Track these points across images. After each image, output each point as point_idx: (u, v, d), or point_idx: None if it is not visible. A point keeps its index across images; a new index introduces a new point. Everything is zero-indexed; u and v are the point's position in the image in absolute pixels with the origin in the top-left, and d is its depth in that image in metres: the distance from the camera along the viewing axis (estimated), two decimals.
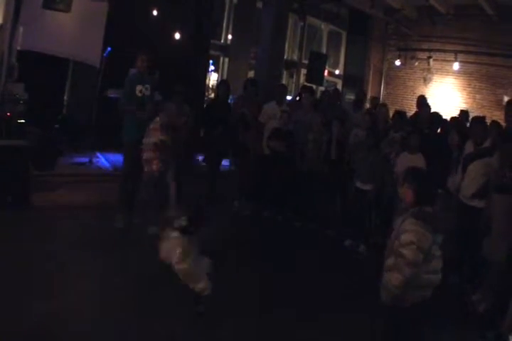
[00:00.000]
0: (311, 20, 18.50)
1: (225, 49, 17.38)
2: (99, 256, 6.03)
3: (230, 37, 17.40)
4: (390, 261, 3.91)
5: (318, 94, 13.68)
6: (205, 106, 11.52)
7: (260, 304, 5.35)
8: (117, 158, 9.41)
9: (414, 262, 3.71)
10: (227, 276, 5.48)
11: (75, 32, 11.64)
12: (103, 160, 11.39)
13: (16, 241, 6.13)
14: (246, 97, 9.06)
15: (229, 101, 9.51)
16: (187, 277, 4.69)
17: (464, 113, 9.76)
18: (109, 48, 10.77)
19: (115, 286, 5.33)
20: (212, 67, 17.50)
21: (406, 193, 3.97)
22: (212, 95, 15.18)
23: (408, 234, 3.76)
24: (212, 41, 16.77)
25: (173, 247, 4.63)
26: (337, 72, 19.07)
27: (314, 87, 13.89)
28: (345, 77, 18.92)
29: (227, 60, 17.28)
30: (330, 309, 5.44)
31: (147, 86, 7.43)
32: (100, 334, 4.39)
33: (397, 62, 17.25)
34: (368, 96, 15.13)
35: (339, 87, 18.12)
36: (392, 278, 3.80)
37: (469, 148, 6.85)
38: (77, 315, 4.64)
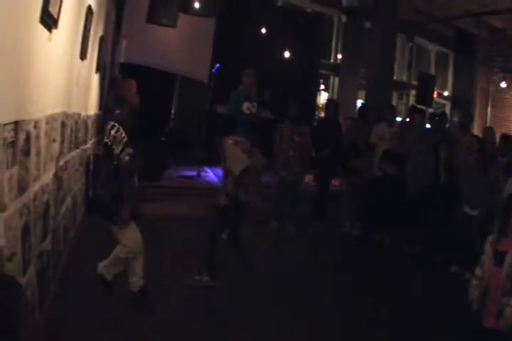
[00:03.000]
0: (419, 40, 18.21)
1: (334, 68, 17.36)
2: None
3: (339, 56, 17.36)
4: (507, 286, 3.77)
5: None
6: (314, 125, 11.46)
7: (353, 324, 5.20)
8: None
9: None
10: (338, 298, 5.44)
11: (181, 47, 11.89)
12: (211, 174, 11.46)
13: None
14: (359, 122, 8.92)
15: (339, 120, 9.39)
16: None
17: None
18: (217, 65, 10.91)
19: None
20: (322, 86, 17.54)
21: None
22: (322, 114, 15.14)
23: None
24: (321, 60, 16.85)
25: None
26: (445, 93, 18.67)
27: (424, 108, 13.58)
28: (454, 99, 18.41)
29: (337, 79, 17.24)
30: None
31: (254, 103, 7.41)
32: None
33: (503, 84, 16.61)
34: (475, 119, 14.62)
35: (447, 108, 17.69)
36: None
37: None
38: None
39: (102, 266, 4.70)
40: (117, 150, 4.48)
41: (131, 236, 4.59)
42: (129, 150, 4.54)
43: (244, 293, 5.35)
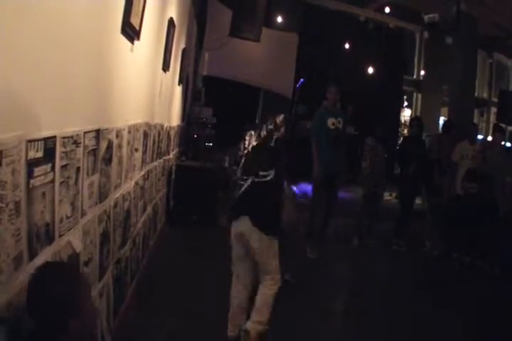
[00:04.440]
0: (498, 56, 17.67)
1: (417, 84, 17.11)
2: None
3: (422, 72, 17.09)
4: None
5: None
6: (399, 143, 11.26)
7: None
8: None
9: None
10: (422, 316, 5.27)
11: (264, 61, 11.97)
12: (294, 188, 11.39)
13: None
14: (443, 140, 8.71)
15: (423, 138, 9.18)
16: None
17: None
18: (302, 79, 10.90)
19: None
20: (405, 103, 17.29)
21: None
22: (405, 131, 14.90)
23: None
24: (404, 76, 16.61)
25: None
26: None
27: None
28: None
29: (420, 95, 16.96)
30: None
31: (339, 119, 7.30)
32: None
33: None
34: None
35: None
36: None
37: None
38: None
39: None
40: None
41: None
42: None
43: (328, 313, 5.26)
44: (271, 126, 4.48)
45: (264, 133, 4.51)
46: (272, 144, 4.43)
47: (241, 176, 4.23)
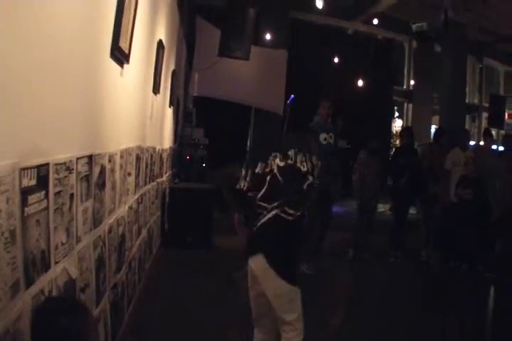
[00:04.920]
0: (488, 61, 17.89)
1: (408, 94, 17.22)
2: None
3: (412, 82, 17.22)
4: None
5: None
6: (391, 153, 11.32)
7: None
8: None
9: None
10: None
11: (254, 79, 11.97)
12: None
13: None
14: (435, 148, 8.76)
15: (415, 147, 9.23)
16: None
17: None
18: (292, 96, 10.94)
19: None
20: (396, 114, 17.39)
21: None
22: (397, 142, 14.99)
23: None
24: (395, 87, 16.74)
25: None
26: None
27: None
28: None
29: (411, 105, 17.09)
30: None
31: (331, 134, 7.35)
32: None
33: None
34: None
35: None
36: None
37: None
38: None
39: None
40: None
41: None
42: None
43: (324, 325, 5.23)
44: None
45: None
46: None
47: (260, 203, 3.53)
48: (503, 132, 16.15)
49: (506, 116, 16.39)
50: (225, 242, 7.88)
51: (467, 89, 16.93)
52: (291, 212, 3.46)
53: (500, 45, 17.01)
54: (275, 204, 3.45)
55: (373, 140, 8.25)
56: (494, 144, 9.23)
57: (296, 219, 3.48)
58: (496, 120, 14.79)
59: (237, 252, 7.22)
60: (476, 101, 18.59)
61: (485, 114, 16.89)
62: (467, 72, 16.36)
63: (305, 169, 3.56)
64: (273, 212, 3.46)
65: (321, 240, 7.41)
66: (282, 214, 3.45)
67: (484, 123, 16.85)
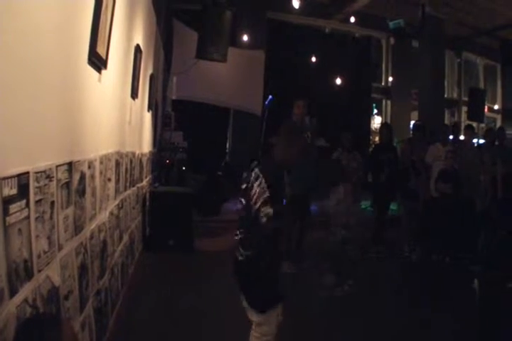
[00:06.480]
0: (467, 55, 18.06)
1: (386, 91, 17.31)
2: None
3: (390, 79, 17.32)
4: None
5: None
6: (370, 150, 11.39)
7: None
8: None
9: None
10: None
11: (232, 81, 12.01)
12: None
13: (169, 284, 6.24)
14: (414, 142, 8.84)
15: (394, 144, 9.31)
16: None
17: None
18: (270, 96, 10.96)
19: None
20: (375, 111, 17.47)
21: None
22: (377, 139, 15.09)
23: None
24: (373, 84, 16.82)
25: None
26: (496, 107, 18.43)
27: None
28: (505, 112, 18.09)
29: (389, 102, 17.18)
30: None
31: (308, 133, 7.36)
32: None
33: None
34: None
35: (499, 122, 17.35)
36: None
37: None
38: None
39: None
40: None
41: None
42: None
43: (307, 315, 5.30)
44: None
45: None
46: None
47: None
48: (482, 125, 16.36)
49: (486, 110, 16.54)
50: (205, 245, 7.92)
51: (446, 84, 17.08)
52: (242, 251, 3.41)
53: (480, 39, 17.13)
54: (238, 233, 3.46)
55: (347, 137, 8.21)
56: (473, 138, 9.34)
57: (246, 260, 3.37)
58: (476, 114, 14.91)
59: (218, 254, 7.30)
60: (455, 95, 18.73)
61: (464, 108, 17.01)
62: (446, 66, 16.50)
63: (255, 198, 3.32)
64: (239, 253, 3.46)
65: (300, 239, 7.42)
66: (236, 253, 3.45)
67: (464, 118, 16.98)
